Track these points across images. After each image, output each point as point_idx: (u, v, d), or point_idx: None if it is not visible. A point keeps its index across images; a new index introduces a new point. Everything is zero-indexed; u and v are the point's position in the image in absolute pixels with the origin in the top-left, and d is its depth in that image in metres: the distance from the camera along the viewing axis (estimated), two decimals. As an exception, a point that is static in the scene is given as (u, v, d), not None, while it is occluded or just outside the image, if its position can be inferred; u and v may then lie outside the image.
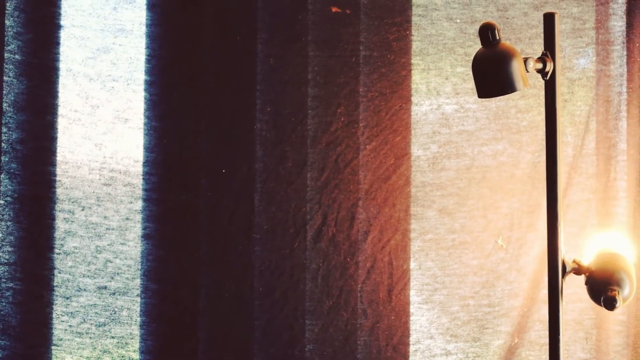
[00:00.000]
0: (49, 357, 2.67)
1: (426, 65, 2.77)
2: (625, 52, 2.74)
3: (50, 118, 2.67)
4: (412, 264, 2.75)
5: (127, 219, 2.69)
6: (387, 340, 2.74)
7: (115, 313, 2.69)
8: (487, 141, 2.77)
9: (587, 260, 2.21)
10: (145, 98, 2.70)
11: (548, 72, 2.09)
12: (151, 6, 2.69)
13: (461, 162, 2.77)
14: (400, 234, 2.75)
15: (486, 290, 2.77)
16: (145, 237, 2.69)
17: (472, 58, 2.09)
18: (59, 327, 2.68)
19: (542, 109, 2.12)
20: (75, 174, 2.68)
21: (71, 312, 2.68)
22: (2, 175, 2.66)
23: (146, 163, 2.69)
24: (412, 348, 2.75)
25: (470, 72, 2.05)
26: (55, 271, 2.67)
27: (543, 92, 2.14)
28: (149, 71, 2.69)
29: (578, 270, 2.18)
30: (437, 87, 2.77)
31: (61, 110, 2.67)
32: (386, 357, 2.74)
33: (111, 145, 2.69)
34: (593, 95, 2.76)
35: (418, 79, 2.76)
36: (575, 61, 2.77)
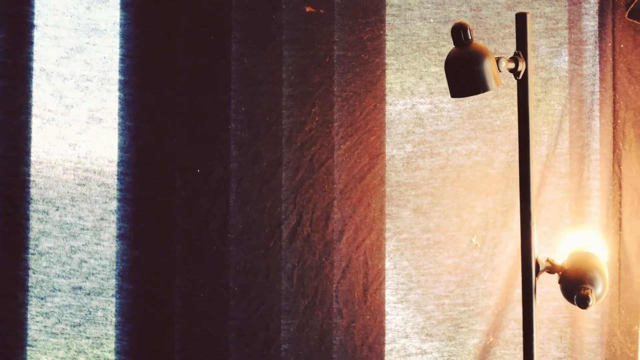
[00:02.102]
0: (23, 358, 2.65)
1: (400, 65, 2.77)
2: (597, 52, 2.75)
3: (24, 118, 2.66)
4: (387, 264, 2.76)
5: (102, 219, 2.68)
6: (362, 340, 2.75)
7: (90, 313, 2.68)
8: (461, 141, 2.77)
9: (561, 259, 2.22)
10: (119, 98, 2.69)
11: (520, 71, 2.10)
12: (125, 5, 2.68)
13: (435, 162, 2.77)
14: (375, 233, 2.75)
15: (461, 289, 2.77)
16: (120, 237, 2.68)
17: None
18: (34, 328, 2.67)
19: (516, 109, 2.13)
20: (50, 174, 2.67)
21: (46, 313, 2.67)
22: (-24, 176, 2.65)
23: (121, 163, 2.68)
24: (387, 347, 2.76)
25: (445, 74, 2.05)
26: (30, 271, 2.66)
27: (516, 92, 2.15)
28: (123, 71, 2.69)
29: (551, 269, 2.19)
30: (411, 87, 2.77)
31: (35, 110, 2.66)
32: (362, 356, 2.74)
33: (85, 145, 2.68)
34: (566, 95, 2.77)
35: (392, 79, 2.77)
36: (549, 61, 2.78)
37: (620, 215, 2.75)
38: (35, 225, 2.66)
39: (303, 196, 2.73)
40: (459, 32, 2.02)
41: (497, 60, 2.03)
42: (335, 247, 2.74)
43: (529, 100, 2.12)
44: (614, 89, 2.76)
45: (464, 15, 2.75)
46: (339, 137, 2.74)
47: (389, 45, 2.76)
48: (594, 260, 2.21)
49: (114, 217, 2.68)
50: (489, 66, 2.01)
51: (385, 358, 2.76)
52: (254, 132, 2.73)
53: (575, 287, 2.15)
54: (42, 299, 2.67)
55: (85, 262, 2.68)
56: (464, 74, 2.02)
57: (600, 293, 2.16)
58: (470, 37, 2.02)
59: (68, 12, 2.68)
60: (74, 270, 2.68)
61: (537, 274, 2.14)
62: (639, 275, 2.73)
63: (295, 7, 2.73)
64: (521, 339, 2.16)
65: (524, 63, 2.10)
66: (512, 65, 2.09)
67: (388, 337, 2.76)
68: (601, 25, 2.75)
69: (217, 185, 2.72)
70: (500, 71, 2.04)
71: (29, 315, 2.66)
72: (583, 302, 2.12)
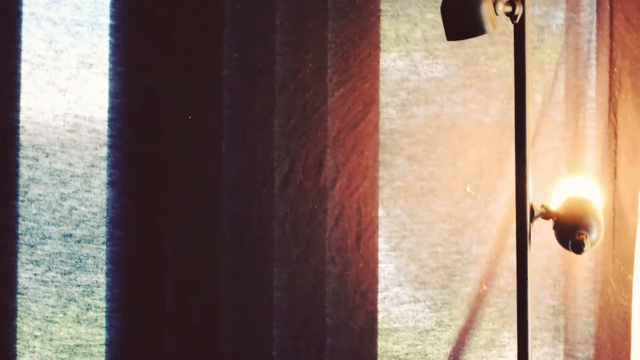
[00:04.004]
0: (14, 306, 2.65)
1: (395, 11, 2.74)
2: (594, 0, 2.73)
3: (13, 63, 2.62)
4: (381, 212, 2.75)
5: (92, 165, 2.66)
6: (355, 288, 2.74)
7: (80, 261, 2.67)
8: (456, 88, 2.76)
9: (556, 205, 2.22)
10: (110, 43, 2.66)
11: (517, 15, 2.09)
12: (115, -52, 2.65)
13: (430, 110, 2.76)
14: (369, 181, 2.74)
15: (455, 237, 2.77)
16: (111, 184, 2.66)
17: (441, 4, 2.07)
18: (24, 276, 2.65)
19: (512, 57, 2.12)
20: (39, 120, 2.64)
21: (36, 261, 2.65)
22: (-35, 122, 2.63)
23: (111, 109, 2.66)
24: (380, 295, 2.76)
25: (440, 19, 2.04)
26: (20, 219, 2.64)
27: (512, 40, 2.13)
28: (114, 15, 2.65)
29: (546, 215, 2.18)
30: (406, 34, 2.75)
31: (24, 55, 2.63)
32: (354, 304, 2.74)
33: (76, 91, 2.66)
34: (563, 43, 2.75)
35: (387, 26, 2.74)
36: (545, 9, 2.75)
37: (616, 164, 2.74)
38: (24, 172, 2.64)
39: (296, 143, 2.72)
40: (456, -25, 2.00)
41: (494, 2, 2.02)
42: (328, 194, 2.73)
43: (525, 45, 2.10)
44: (611, 37, 2.74)
45: (460, -41, 2.72)
46: (333, 84, 2.72)
47: (384, -9, 2.74)
48: (589, 206, 2.21)
49: (104, 164, 2.66)
50: (485, 8, 1.99)
51: (378, 306, 2.75)
52: (246, 79, 2.70)
53: (570, 232, 2.15)
54: (32, 246, 2.65)
55: (76, 209, 2.67)
56: (461, 15, 2.01)
57: (595, 239, 2.16)
58: (467, -20, 2.00)
59: (57, -46, 2.65)
60: (64, 217, 2.66)
61: (531, 220, 2.14)
62: (634, 224, 2.73)
63: (288, -49, 2.70)
64: (514, 287, 2.16)
65: (521, 7, 2.08)
66: (509, 8, 2.07)
67: (381, 285, 2.76)
68: (599, -29, 2.73)
69: (209, 132, 2.70)
70: (497, 14, 2.02)
71: (19, 263, 2.65)
72: (578, 247, 2.12)
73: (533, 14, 2.73)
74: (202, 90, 2.70)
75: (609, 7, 2.73)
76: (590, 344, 2.78)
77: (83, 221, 2.67)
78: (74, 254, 2.67)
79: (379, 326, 2.75)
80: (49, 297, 2.66)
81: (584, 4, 2.74)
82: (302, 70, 2.72)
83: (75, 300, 2.67)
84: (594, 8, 2.73)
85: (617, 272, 2.75)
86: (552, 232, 2.21)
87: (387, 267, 2.76)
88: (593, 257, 2.75)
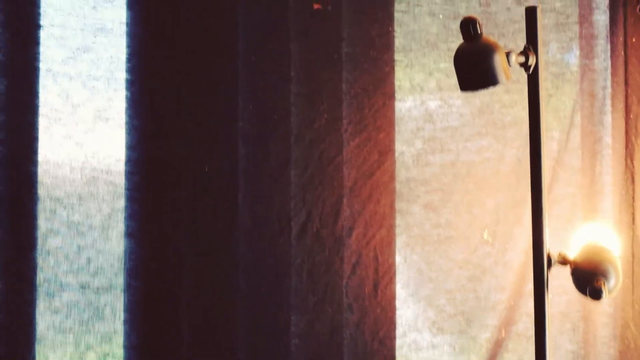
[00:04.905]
0: (32, 355, 2.65)
1: (409, 61, 2.76)
2: (609, 46, 2.74)
3: (30, 118, 2.65)
4: (398, 259, 2.75)
5: (110, 217, 2.68)
6: (373, 335, 2.74)
7: (98, 310, 2.68)
8: (472, 137, 2.76)
9: (573, 253, 2.21)
10: (126, 97, 2.68)
11: (531, 65, 2.09)
12: (131, 5, 2.67)
13: (446, 158, 2.76)
14: (385, 229, 2.74)
15: (472, 284, 2.76)
16: (128, 235, 2.68)
17: (455, 53, 2.08)
18: (42, 325, 2.66)
19: (527, 104, 2.12)
20: (57, 174, 2.66)
21: (54, 310, 2.67)
22: (-16, 175, 2.65)
23: (128, 161, 2.68)
24: (398, 342, 2.75)
25: (454, 68, 2.04)
26: (38, 269, 2.66)
27: (527, 87, 2.13)
28: (130, 70, 2.68)
29: (564, 262, 2.18)
30: (421, 83, 2.76)
31: (42, 110, 2.65)
32: (372, 350, 2.74)
33: (92, 144, 2.68)
34: (577, 90, 2.76)
35: (401, 75, 2.75)
36: (559, 56, 2.76)
37: (633, 210, 2.74)
38: (43, 224, 2.65)
39: (312, 193, 2.72)
40: (468, 26, 2.00)
41: (507, 54, 2.02)
42: (345, 243, 2.73)
43: (539, 94, 2.11)
44: (626, 83, 2.74)
45: (473, 10, 2.74)
46: (348, 134, 2.73)
47: (398, 42, 2.75)
48: (606, 253, 2.20)
49: (121, 216, 2.67)
50: (498, 60, 1.99)
51: (396, 352, 2.75)
52: (262, 130, 2.71)
53: (588, 279, 2.14)
54: (50, 296, 2.66)
55: (93, 259, 2.68)
56: (474, 67, 2.01)
57: (613, 285, 2.15)
58: (479, 31, 2.00)
59: (74, 12, 2.68)
60: (81, 267, 2.68)
61: (549, 267, 2.13)
62: (652, 270, 2.71)
63: (302, 4, 2.71)
64: (533, 332, 2.15)
65: (534, 57, 2.09)
66: (522, 59, 2.07)
67: (399, 332, 2.75)
68: (612, 19, 2.73)
69: (225, 183, 2.71)
70: (510, 65, 2.02)
71: (37, 312, 2.66)
72: (596, 294, 2.10)
73: (547, 61, 2.73)
74: (217, 142, 2.71)
75: (623, 53, 2.73)
76: (611, 389, 2.76)
77: (101, 271, 2.68)
78: (91, 303, 2.68)
79: (397, 373, 2.75)
80: (67, 345, 2.67)
81: (598, 50, 2.74)
82: (318, 121, 2.73)
83: (93, 349, 2.68)
84: (608, 54, 2.74)
85: (637, 317, 2.74)
86: (570, 276, 2.21)
87: (405, 314, 2.76)
88: (612, 302, 2.74)
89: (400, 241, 2.75)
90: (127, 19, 2.67)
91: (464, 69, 2.03)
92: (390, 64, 2.74)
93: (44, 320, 2.66)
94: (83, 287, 2.68)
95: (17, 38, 2.65)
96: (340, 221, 2.73)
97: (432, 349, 2.76)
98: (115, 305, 2.68)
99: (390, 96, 2.74)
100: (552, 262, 2.14)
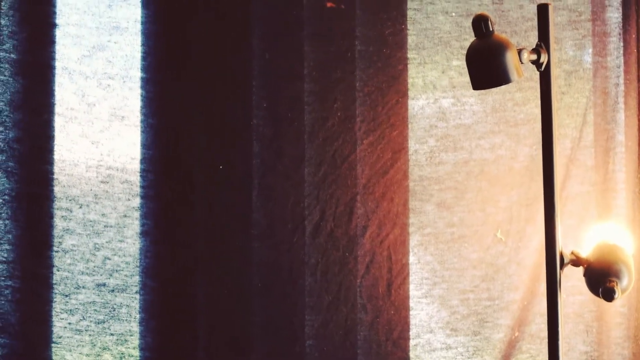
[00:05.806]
0: (48, 355, 2.67)
1: (422, 59, 2.76)
2: (621, 44, 2.74)
3: (46, 117, 2.67)
4: (411, 258, 2.75)
5: (125, 216, 2.69)
6: (387, 335, 2.74)
7: (114, 310, 2.69)
8: (485, 134, 2.76)
9: (586, 252, 2.21)
10: (141, 95, 2.69)
11: (543, 63, 2.09)
12: (146, 3, 2.69)
13: (459, 156, 2.76)
14: (399, 228, 2.74)
15: (486, 283, 2.76)
16: (143, 234, 2.69)
17: (467, 51, 2.09)
18: (58, 325, 2.68)
19: (539, 102, 2.12)
20: (73, 172, 2.68)
21: (70, 310, 2.68)
22: (0, 174, 2.66)
23: (143, 160, 2.69)
24: (412, 342, 2.75)
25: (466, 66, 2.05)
26: (54, 269, 2.67)
27: (539, 85, 2.13)
28: (145, 68, 2.69)
29: (576, 262, 2.17)
30: (434, 81, 2.76)
31: (57, 109, 2.67)
32: (386, 351, 2.74)
33: (108, 143, 2.69)
34: (590, 87, 2.76)
35: (414, 73, 2.76)
36: (572, 53, 2.76)
37: (647, 208, 2.73)
38: (59, 223, 2.67)
39: (326, 191, 2.73)
40: (480, 24, 2.01)
41: (519, 51, 2.02)
42: (359, 242, 2.73)
43: (551, 92, 2.11)
44: (639, 80, 2.74)
45: (486, 8, 2.74)
46: (362, 132, 2.74)
47: (411, 40, 2.76)
48: (619, 253, 2.19)
49: (137, 214, 2.69)
50: (510, 57, 2.00)
51: (410, 353, 2.75)
52: (276, 128, 2.72)
53: (601, 279, 2.13)
54: (66, 296, 2.68)
55: (109, 259, 2.69)
56: (486, 65, 2.01)
57: (626, 286, 2.15)
58: (491, 29, 2.01)
59: (89, 11, 2.69)
60: (97, 267, 2.69)
61: (561, 267, 2.13)
62: (666, 268, 2.70)
63: (316, 2, 2.73)
64: (547, 333, 2.15)
65: (546, 54, 2.09)
66: (534, 56, 2.07)
67: (412, 332, 2.75)
68: (625, 16, 2.73)
69: (239, 181, 2.72)
70: (522, 63, 2.03)
71: (53, 313, 2.67)
72: (609, 295, 2.10)
73: (559, 59, 2.74)
74: (232, 140, 2.72)
75: (635, 50, 2.73)
76: (625, 389, 2.76)
77: (116, 270, 2.69)
78: (107, 303, 2.69)
79: (411, 373, 2.75)
80: (83, 345, 2.68)
81: (610, 48, 2.74)
82: (331, 119, 2.74)
83: (109, 349, 2.69)
84: (621, 52, 2.74)
85: (651, 317, 2.73)
86: (583, 276, 2.20)
87: (419, 314, 2.76)
88: (626, 302, 2.73)
89: (413, 240, 2.75)
90: (142, 17, 2.69)
91: (475, 66, 2.04)
92: (403, 62, 2.75)
93: (60, 321, 2.68)
94: (99, 286, 2.69)
95: (33, 37, 2.67)
96: (354, 220, 2.73)
97: (445, 350, 2.76)
98: (131, 305, 2.69)
99: (403, 94, 2.75)
100: (565, 261, 2.14)
